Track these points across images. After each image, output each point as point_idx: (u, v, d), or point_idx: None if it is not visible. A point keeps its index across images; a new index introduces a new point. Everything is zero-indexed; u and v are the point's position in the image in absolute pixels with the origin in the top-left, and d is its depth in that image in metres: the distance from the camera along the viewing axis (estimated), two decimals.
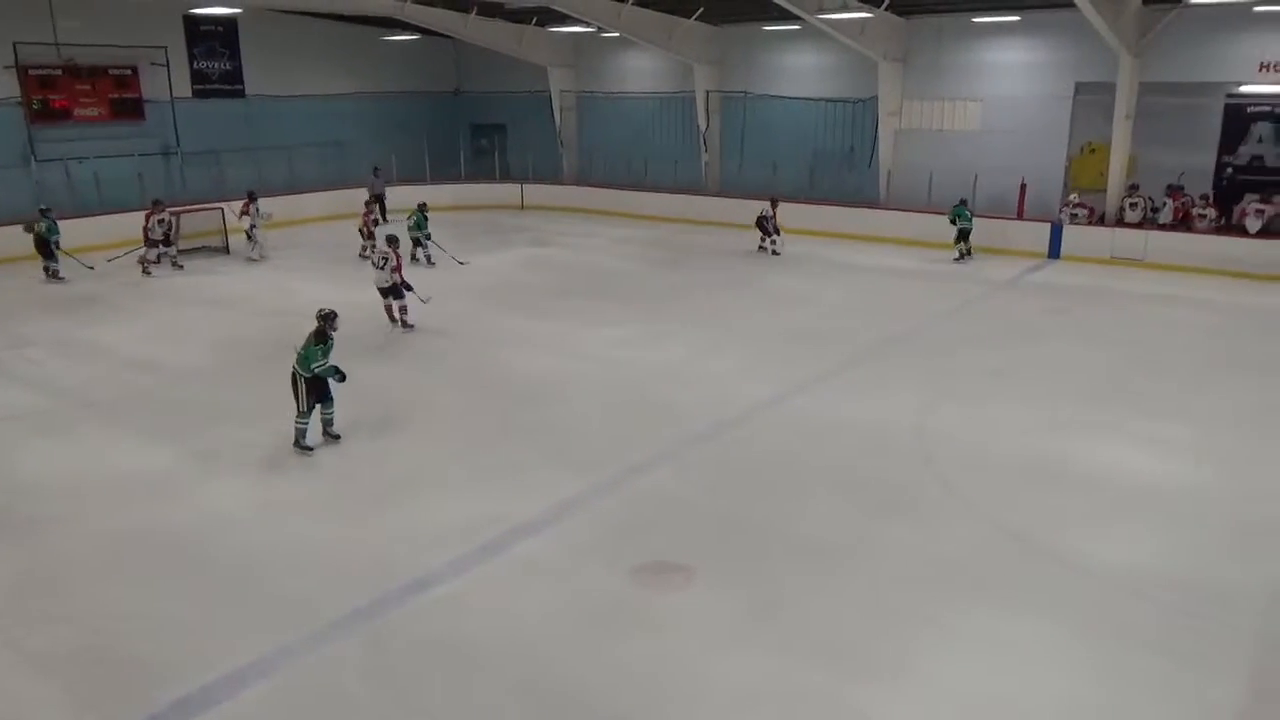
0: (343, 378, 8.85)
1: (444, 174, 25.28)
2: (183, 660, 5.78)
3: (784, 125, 22.70)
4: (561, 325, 13.48)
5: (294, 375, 8.82)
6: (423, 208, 17.76)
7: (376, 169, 22.36)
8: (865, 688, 5.55)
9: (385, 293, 13.18)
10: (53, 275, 16.41)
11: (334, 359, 8.82)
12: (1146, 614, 6.30)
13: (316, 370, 8.74)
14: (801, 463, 8.75)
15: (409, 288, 13.19)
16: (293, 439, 8.93)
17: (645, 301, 15.05)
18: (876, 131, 21.18)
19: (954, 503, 7.98)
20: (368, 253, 18.12)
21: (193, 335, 13.08)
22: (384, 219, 19.67)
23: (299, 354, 8.83)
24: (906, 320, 13.86)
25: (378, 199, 20.73)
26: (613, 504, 7.96)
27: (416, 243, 17.50)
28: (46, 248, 16.37)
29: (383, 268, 13.03)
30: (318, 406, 8.95)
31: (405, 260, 13.94)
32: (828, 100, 21.99)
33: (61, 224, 16.61)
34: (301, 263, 18.10)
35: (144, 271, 16.82)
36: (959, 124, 20.36)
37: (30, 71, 19.67)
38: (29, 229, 16.37)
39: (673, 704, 5.42)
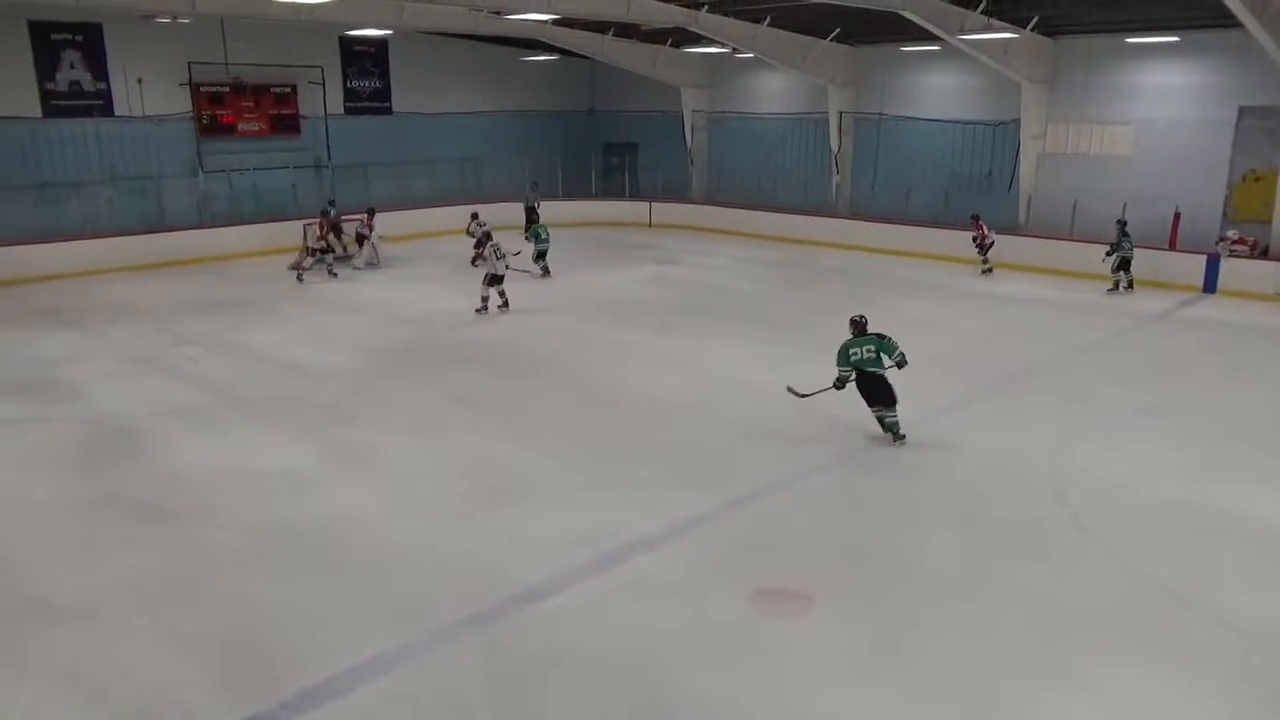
0: (905, 363, 9.12)
1: (576, 191, 25.81)
2: (310, 651, 6.03)
3: (919, 147, 22.19)
4: (683, 343, 13.50)
5: (871, 376, 9.18)
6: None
7: (535, 183, 23.49)
8: None
9: (494, 280, 14.85)
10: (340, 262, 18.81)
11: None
12: None
13: (895, 360, 9.08)
14: (930, 495, 8.49)
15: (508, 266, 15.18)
16: (892, 436, 9.34)
17: (769, 322, 14.91)
18: (1017, 155, 20.46)
19: (1090, 545, 7.58)
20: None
21: (335, 339, 13.70)
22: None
23: (867, 357, 9.15)
24: (1044, 352, 13.27)
25: (533, 210, 21.68)
26: (732, 525, 7.90)
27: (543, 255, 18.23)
28: (338, 232, 19.06)
29: (501, 258, 14.82)
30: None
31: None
32: (966, 123, 21.41)
33: (227, 231, 19.09)
34: (438, 272, 18.77)
35: (298, 278, 17.76)
36: (1107, 148, 19.42)
37: (201, 89, 21.21)
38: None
39: None
